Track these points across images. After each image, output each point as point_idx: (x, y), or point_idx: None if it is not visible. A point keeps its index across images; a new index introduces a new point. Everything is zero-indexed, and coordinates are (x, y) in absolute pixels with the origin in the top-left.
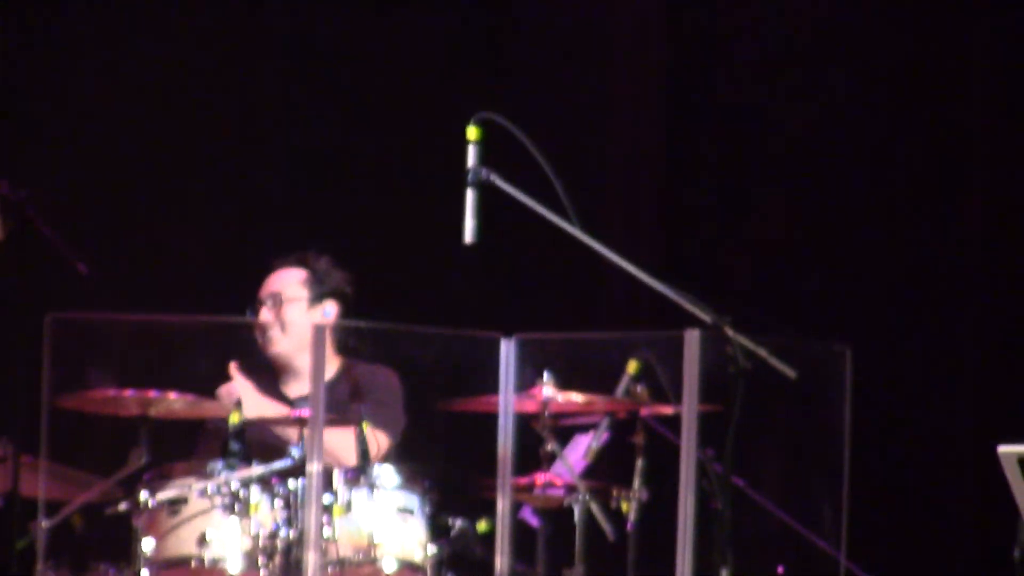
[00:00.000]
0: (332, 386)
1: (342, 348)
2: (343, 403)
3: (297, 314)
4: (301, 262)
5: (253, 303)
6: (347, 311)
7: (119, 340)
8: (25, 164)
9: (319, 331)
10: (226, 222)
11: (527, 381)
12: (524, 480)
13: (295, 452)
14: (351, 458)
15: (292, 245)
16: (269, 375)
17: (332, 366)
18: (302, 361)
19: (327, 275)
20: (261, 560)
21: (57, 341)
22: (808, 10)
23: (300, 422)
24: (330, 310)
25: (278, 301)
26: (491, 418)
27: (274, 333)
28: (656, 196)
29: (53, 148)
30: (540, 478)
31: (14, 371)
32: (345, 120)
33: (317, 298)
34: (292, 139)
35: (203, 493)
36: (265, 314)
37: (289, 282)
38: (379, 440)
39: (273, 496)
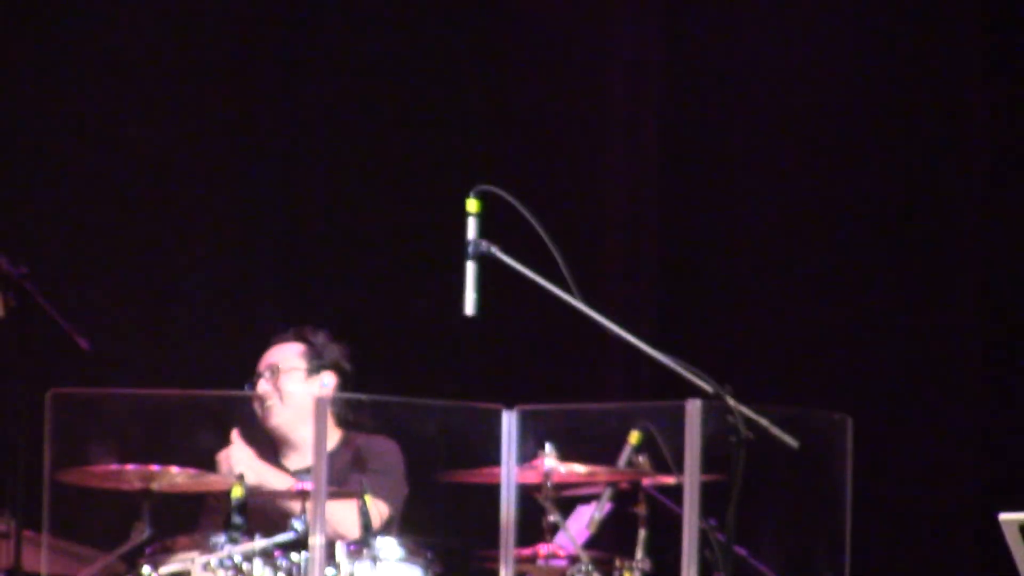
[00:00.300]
0: (332, 458)
1: (342, 421)
2: (344, 474)
3: (295, 385)
4: (299, 336)
5: (252, 377)
6: (345, 384)
7: (120, 415)
8: (22, 240)
9: (321, 403)
10: (225, 297)
11: (529, 452)
12: (527, 551)
13: (298, 525)
14: (354, 530)
15: (291, 319)
16: (269, 449)
17: (333, 438)
18: (301, 433)
19: (324, 348)
20: None
21: (58, 416)
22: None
23: (302, 495)
24: (328, 381)
25: (276, 372)
26: (493, 489)
27: (272, 404)
28: (654, 266)
29: (50, 223)
30: (543, 549)
31: (15, 446)
32: (344, 192)
33: (315, 370)
34: (291, 212)
35: (206, 567)
36: (263, 385)
37: (287, 354)
38: (380, 510)
39: (276, 569)
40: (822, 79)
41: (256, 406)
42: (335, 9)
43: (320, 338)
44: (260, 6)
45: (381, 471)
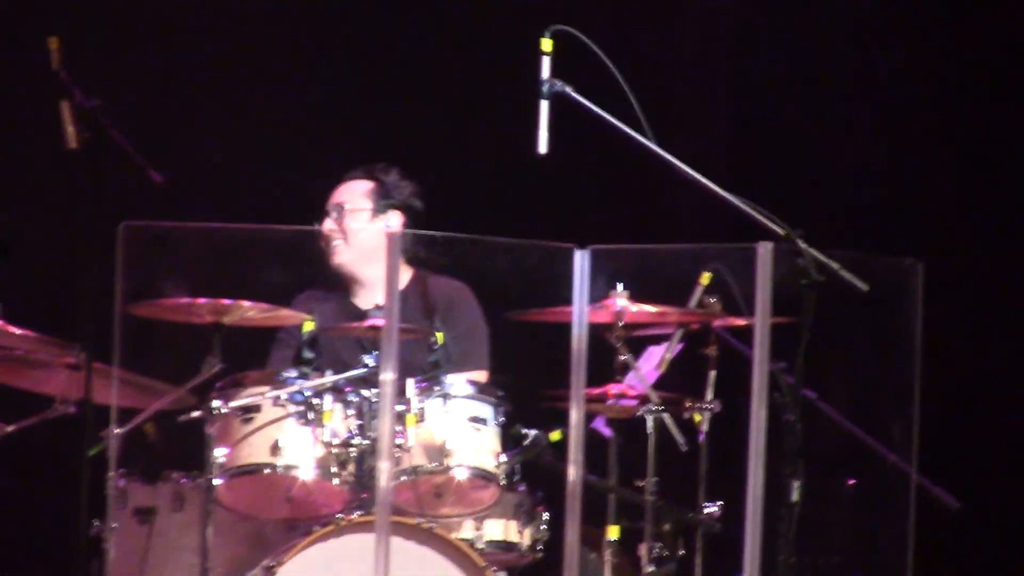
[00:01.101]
0: (404, 297)
1: (412, 259)
2: (414, 313)
3: (360, 224)
4: (368, 174)
5: (321, 214)
6: (414, 223)
7: (192, 248)
8: (98, 73)
9: (392, 240)
10: (298, 132)
11: (600, 292)
12: (597, 391)
13: (368, 360)
14: None
15: (364, 157)
16: (339, 287)
17: (403, 276)
18: (367, 272)
19: (393, 187)
20: (334, 468)
21: (130, 249)
22: None
23: (373, 330)
24: (394, 221)
25: (341, 211)
26: (564, 329)
27: (337, 244)
28: (727, 109)
29: (124, 57)
30: (613, 389)
31: (87, 279)
32: (417, 31)
33: (381, 209)
34: (364, 50)
35: (276, 401)
36: (328, 224)
37: (354, 193)
38: (479, 378)
39: (346, 405)
40: None
41: (322, 243)
42: None
43: (391, 176)
44: None
45: (468, 334)
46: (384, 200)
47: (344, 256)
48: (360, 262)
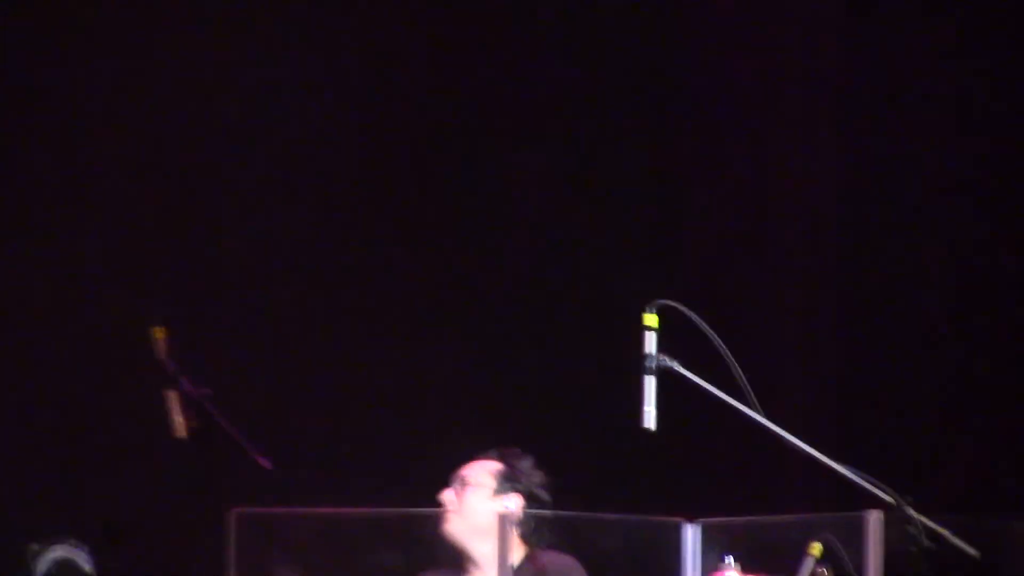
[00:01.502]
0: (516, 574)
1: (524, 536)
2: None
3: (476, 499)
4: (499, 455)
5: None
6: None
7: (304, 534)
8: (203, 360)
9: (503, 520)
10: (406, 417)
11: (709, 565)
12: None
13: None
14: None
15: (479, 436)
16: (455, 564)
17: (516, 554)
18: (478, 548)
19: (522, 473)
20: None
21: (241, 536)
22: None
23: None
24: (513, 504)
25: (464, 483)
26: None
27: (451, 514)
28: (833, 374)
29: (231, 346)
30: None
31: (200, 567)
32: (523, 308)
33: (503, 490)
34: (471, 326)
35: None
36: (448, 494)
37: (479, 470)
38: None
39: None
40: None
41: (439, 511)
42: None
43: (523, 462)
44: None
45: None
46: (509, 483)
47: (455, 527)
48: (470, 536)
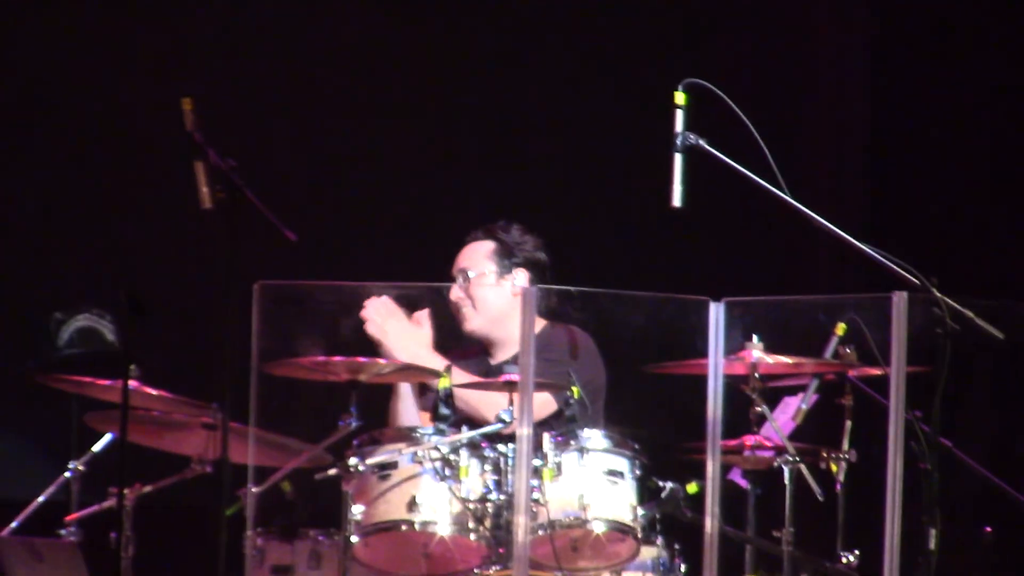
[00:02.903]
0: (538, 348)
1: (545, 312)
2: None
3: (485, 289)
4: (489, 234)
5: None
6: (541, 276)
7: (327, 306)
8: (231, 132)
9: (527, 294)
10: (430, 189)
11: (735, 344)
12: (733, 442)
13: (505, 416)
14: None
15: (497, 214)
16: (476, 345)
17: (536, 328)
18: (499, 333)
19: (515, 245)
20: (471, 524)
21: (266, 308)
22: None
23: (508, 386)
24: (520, 280)
25: (466, 277)
26: (700, 381)
27: (466, 311)
28: (861, 158)
29: (261, 118)
30: (749, 440)
31: (224, 339)
32: (551, 87)
33: (506, 269)
34: (496, 107)
35: (413, 458)
36: (456, 292)
37: (477, 256)
38: (543, 399)
39: (483, 460)
40: None
41: (453, 311)
42: None
43: (512, 234)
44: None
45: (553, 359)
46: (508, 259)
47: (475, 323)
48: (491, 326)
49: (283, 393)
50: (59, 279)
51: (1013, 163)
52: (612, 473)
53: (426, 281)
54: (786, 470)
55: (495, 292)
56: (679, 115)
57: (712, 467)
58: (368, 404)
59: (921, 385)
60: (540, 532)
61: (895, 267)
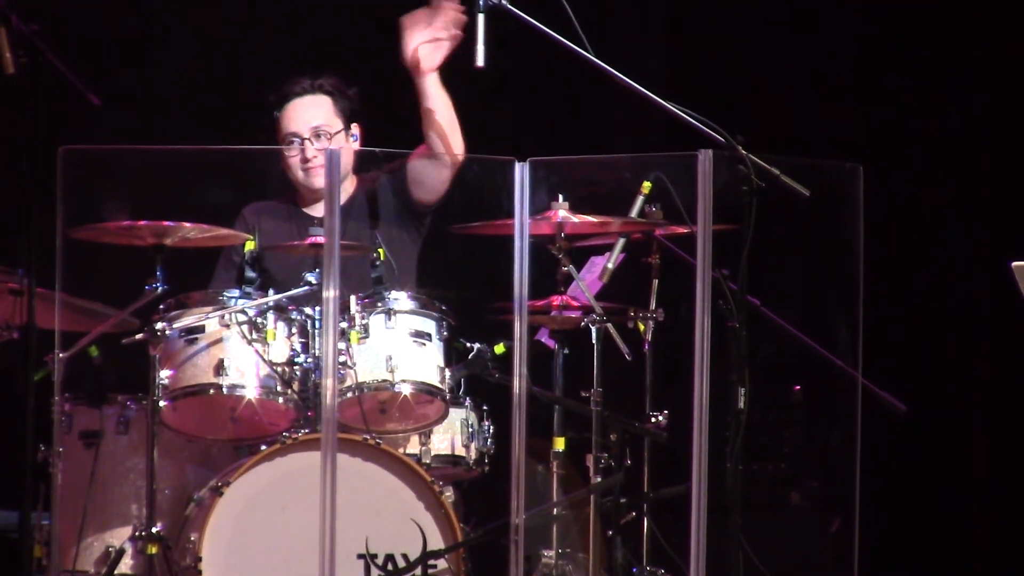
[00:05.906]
0: (348, 208)
1: (357, 169)
2: (361, 228)
3: (341, 145)
4: (321, 89)
5: (274, 135)
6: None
7: (132, 171)
8: None
9: (334, 156)
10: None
11: (541, 204)
12: (540, 303)
13: (311, 278)
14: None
15: (297, 70)
16: (288, 199)
17: (349, 187)
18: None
19: (349, 98)
20: (279, 387)
21: (70, 173)
22: None
23: (314, 248)
24: (357, 133)
25: (326, 136)
26: (506, 241)
27: (320, 168)
28: (664, 15)
29: None
30: (556, 300)
31: (28, 204)
32: None
33: (348, 125)
34: None
35: (220, 321)
36: (311, 150)
37: (324, 113)
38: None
39: (290, 323)
40: None
41: (295, 168)
42: None
43: (340, 86)
44: None
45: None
46: (349, 115)
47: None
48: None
49: (89, 258)
50: None
51: (825, 17)
52: (419, 335)
53: (241, 144)
54: (593, 330)
55: (347, 148)
56: None
57: (519, 328)
58: (174, 269)
59: (728, 243)
60: (348, 395)
61: (700, 125)
